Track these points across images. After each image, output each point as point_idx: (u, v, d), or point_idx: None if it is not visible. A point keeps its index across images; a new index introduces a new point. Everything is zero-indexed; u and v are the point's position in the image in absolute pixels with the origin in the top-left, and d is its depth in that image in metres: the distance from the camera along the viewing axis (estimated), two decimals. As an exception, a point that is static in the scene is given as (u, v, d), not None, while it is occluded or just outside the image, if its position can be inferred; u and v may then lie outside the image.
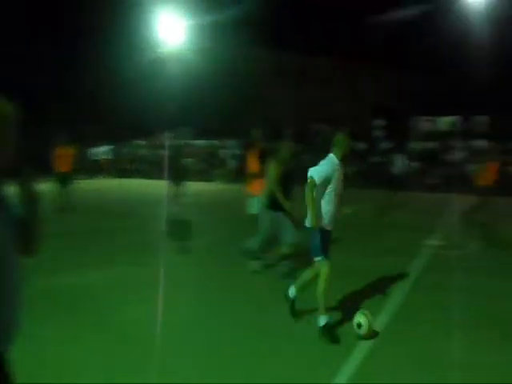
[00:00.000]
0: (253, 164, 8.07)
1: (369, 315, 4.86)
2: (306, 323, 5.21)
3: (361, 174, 21.09)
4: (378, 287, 6.45)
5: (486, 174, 10.90)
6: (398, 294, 6.28)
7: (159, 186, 11.44)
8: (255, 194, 7.95)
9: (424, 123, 27.07)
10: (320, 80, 29.45)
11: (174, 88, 23.44)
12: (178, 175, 12.06)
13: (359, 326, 4.84)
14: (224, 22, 24.04)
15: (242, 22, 24.70)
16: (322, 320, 4.89)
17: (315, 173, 4.87)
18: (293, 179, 6.76)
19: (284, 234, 6.81)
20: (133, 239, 9.75)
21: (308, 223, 5.00)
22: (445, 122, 26.48)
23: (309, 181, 4.86)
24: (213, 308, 5.80)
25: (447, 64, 24.66)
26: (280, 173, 6.60)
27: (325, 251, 4.95)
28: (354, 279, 6.75)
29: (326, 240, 4.96)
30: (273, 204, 6.67)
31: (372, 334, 4.85)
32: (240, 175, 21.05)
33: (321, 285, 4.91)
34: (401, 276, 7.02)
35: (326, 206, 4.91)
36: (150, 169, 26.37)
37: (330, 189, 4.91)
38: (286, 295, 5.39)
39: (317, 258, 4.96)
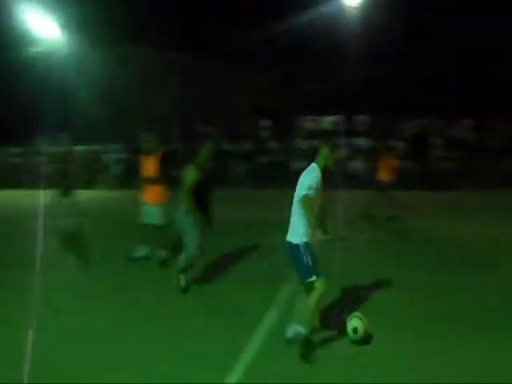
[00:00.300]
0: (150, 169, 7.93)
1: (363, 319, 4.91)
2: (199, 322, 5.37)
3: (249, 175, 21.71)
4: (269, 286, 6.77)
5: (386, 169, 12.07)
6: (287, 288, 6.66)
7: (38, 197, 10.87)
8: (152, 202, 7.86)
9: (308, 123, 28.26)
10: (205, 81, 29.66)
11: (48, 91, 22.32)
12: (65, 184, 11.50)
13: (355, 330, 4.84)
14: (101, 21, 23.33)
15: (120, 20, 24.16)
16: (303, 329, 4.68)
17: (309, 188, 4.72)
18: (210, 184, 6.66)
19: (185, 249, 6.62)
20: (17, 254, 9.26)
21: (297, 239, 4.80)
22: (328, 121, 27.86)
23: (305, 198, 4.70)
24: (102, 314, 5.91)
25: (330, 66, 26.06)
26: (198, 178, 6.37)
27: (317, 266, 4.78)
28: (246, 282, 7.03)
29: (313, 253, 4.82)
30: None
31: (366, 338, 4.88)
32: (126, 181, 20.62)
33: (313, 300, 4.69)
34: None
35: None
36: (26, 178, 24.78)
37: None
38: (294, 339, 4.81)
39: (311, 279, 4.71)
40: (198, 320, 5.62)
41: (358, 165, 21.87)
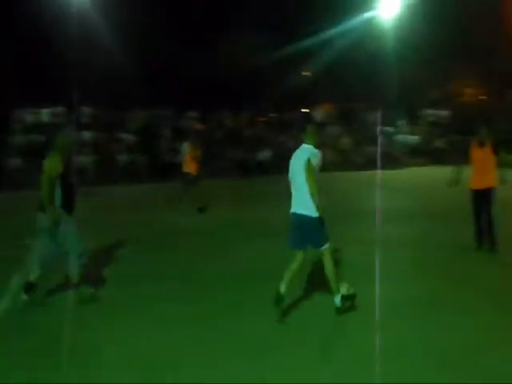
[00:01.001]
0: None
1: None
2: None
3: None
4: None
5: (191, 162, 13.03)
6: None
7: None
8: None
9: (28, 115, 26.41)
10: None
11: None
12: None
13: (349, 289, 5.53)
14: None
15: None
16: (340, 293, 5.43)
17: (313, 159, 5.24)
18: (71, 176, 5.96)
19: (70, 253, 5.87)
20: None
21: (314, 213, 5.25)
22: (49, 113, 26.45)
23: (310, 166, 5.19)
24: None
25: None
26: (63, 169, 5.69)
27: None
28: None
29: None
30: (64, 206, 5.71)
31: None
32: None
33: (330, 267, 5.44)
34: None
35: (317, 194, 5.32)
36: None
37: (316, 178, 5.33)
38: (278, 294, 5.40)
39: (326, 245, 5.43)
40: None
41: (84, 159, 21.16)
